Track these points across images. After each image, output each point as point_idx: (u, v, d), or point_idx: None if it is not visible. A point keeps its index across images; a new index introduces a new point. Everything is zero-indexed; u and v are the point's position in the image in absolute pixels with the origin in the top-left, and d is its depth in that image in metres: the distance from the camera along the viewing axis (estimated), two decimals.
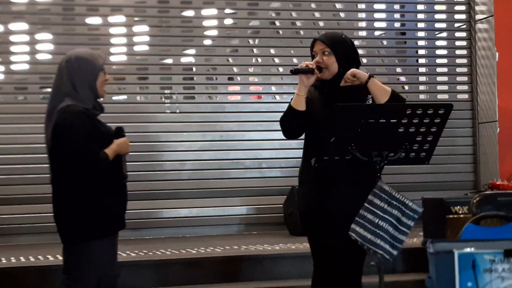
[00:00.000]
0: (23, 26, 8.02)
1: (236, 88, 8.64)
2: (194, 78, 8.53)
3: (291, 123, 4.04)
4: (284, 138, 4.16)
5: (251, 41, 8.71)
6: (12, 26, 7.99)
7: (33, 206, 7.40)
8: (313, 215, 4.05)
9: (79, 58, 4.09)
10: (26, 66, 8.08)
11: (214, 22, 8.64)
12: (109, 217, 4.03)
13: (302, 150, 4.16)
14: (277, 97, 8.32)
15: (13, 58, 7.99)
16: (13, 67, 8.03)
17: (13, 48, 8.00)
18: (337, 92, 4.06)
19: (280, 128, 4.15)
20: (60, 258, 6.07)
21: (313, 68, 4.00)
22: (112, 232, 4.09)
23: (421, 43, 9.33)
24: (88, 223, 3.94)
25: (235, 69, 8.59)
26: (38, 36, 8.11)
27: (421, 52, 9.32)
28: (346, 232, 3.83)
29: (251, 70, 8.65)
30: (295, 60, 8.20)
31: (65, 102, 4.00)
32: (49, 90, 8.25)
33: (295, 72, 3.99)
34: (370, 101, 4.08)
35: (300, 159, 4.16)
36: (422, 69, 9.32)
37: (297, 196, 4.19)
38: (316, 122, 4.00)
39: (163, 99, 8.48)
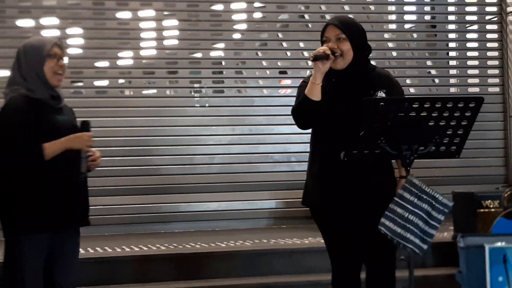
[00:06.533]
0: (54, 21, 8.08)
1: (266, 81, 8.63)
2: (224, 72, 8.55)
3: (305, 114, 3.89)
4: None
5: (280, 35, 8.70)
6: (43, 21, 8.05)
7: None
8: (329, 210, 4.01)
9: (26, 45, 3.92)
10: None
11: (243, 16, 8.64)
12: (38, 214, 3.76)
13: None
14: None
15: None
16: None
17: None
18: (348, 83, 3.95)
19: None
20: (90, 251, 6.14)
21: (329, 54, 3.83)
22: (41, 230, 3.78)
23: (451, 36, 9.25)
24: (14, 218, 3.78)
25: (264, 63, 8.59)
26: (69, 31, 8.17)
27: (452, 45, 9.24)
28: (365, 227, 3.84)
29: (280, 64, 8.64)
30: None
31: (10, 94, 3.83)
32: (80, 84, 8.24)
33: (315, 59, 3.82)
34: (383, 94, 3.99)
35: None
36: (452, 62, 9.25)
37: (306, 190, 4.12)
38: (329, 114, 3.90)
39: (192, 93, 8.50)
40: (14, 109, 3.78)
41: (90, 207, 3.98)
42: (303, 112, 3.90)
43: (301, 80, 4.16)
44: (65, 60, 3.96)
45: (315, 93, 3.86)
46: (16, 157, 3.73)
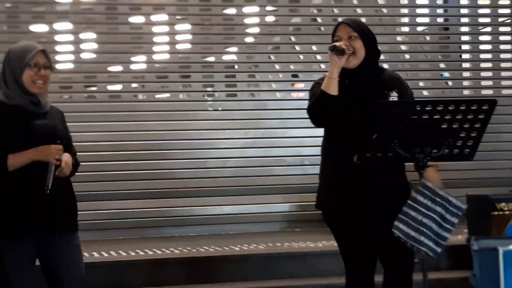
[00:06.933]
0: (67, 25, 8.12)
1: (279, 85, 8.63)
2: (236, 76, 8.56)
3: (322, 110, 3.87)
4: None
5: (293, 38, 8.70)
6: (57, 25, 8.09)
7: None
8: (340, 212, 4.01)
9: (10, 51, 3.95)
10: (70, 65, 8.18)
11: (256, 20, 8.65)
12: (12, 222, 3.79)
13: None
14: None
15: (57, 57, 8.09)
16: (58, 66, 8.12)
17: (57, 48, 8.10)
18: (360, 84, 3.95)
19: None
20: (104, 255, 6.16)
21: (344, 48, 3.86)
22: (18, 237, 3.80)
23: (464, 38, 9.23)
24: None
25: (276, 66, 8.60)
26: (82, 36, 8.21)
27: (465, 47, 9.22)
28: (375, 230, 3.84)
29: (292, 67, 8.64)
30: None
31: None
32: (94, 89, 8.28)
33: (333, 48, 3.83)
34: (395, 97, 4.00)
35: None
36: (465, 65, 9.22)
37: (318, 192, 4.13)
38: (343, 114, 3.89)
39: (205, 97, 8.52)
40: None
41: (78, 211, 4.02)
42: (320, 108, 3.88)
43: (314, 82, 4.16)
44: (50, 68, 3.94)
45: (332, 87, 3.85)
46: None
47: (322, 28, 8.68)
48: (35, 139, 3.82)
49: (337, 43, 3.89)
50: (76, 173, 4.09)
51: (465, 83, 9.14)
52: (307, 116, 8.20)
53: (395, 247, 3.87)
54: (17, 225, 3.82)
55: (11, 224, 3.81)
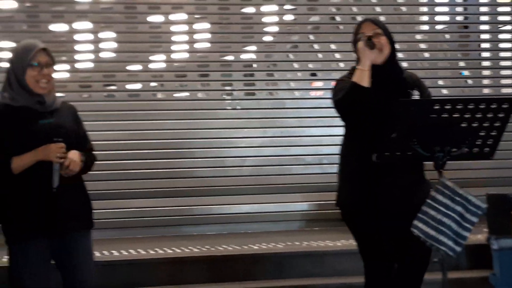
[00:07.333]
0: (86, 25, 8.16)
1: (297, 84, 8.62)
2: (255, 75, 8.56)
3: (354, 103, 3.84)
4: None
5: (311, 37, 8.69)
6: (76, 25, 8.13)
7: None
8: (358, 212, 4.01)
9: (13, 51, 3.91)
10: (90, 65, 8.22)
11: (274, 18, 8.64)
12: (19, 222, 3.80)
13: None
14: None
15: (77, 56, 8.13)
16: (78, 65, 8.17)
17: (77, 47, 8.14)
18: (384, 81, 3.96)
19: (340, 124, 4.10)
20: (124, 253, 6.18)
21: (374, 43, 3.90)
22: (26, 238, 3.80)
23: (484, 36, 9.18)
24: (6, 227, 3.83)
25: (295, 65, 8.59)
26: (101, 35, 8.24)
27: (484, 45, 9.17)
28: (392, 229, 3.82)
29: (311, 66, 8.63)
30: (355, 55, 8.14)
31: None
32: (113, 88, 8.31)
33: (369, 39, 3.87)
34: (417, 96, 4.01)
35: None
36: (485, 63, 9.17)
37: (340, 192, 4.12)
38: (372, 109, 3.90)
39: (224, 96, 8.52)
40: None
41: (91, 210, 4.01)
42: (352, 100, 3.86)
43: (337, 79, 4.14)
44: (54, 67, 3.90)
45: (364, 79, 3.86)
46: None
47: (341, 27, 8.67)
48: (38, 139, 3.78)
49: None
50: (95, 172, 4.08)
51: (485, 81, 9.09)
52: (325, 114, 8.14)
53: (412, 247, 3.86)
54: (23, 227, 3.80)
55: (17, 226, 3.81)
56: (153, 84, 8.49)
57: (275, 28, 8.65)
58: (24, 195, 3.80)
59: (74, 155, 3.83)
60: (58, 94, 4.09)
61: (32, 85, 3.81)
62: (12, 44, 7.72)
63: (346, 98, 3.87)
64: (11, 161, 3.76)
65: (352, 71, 4.03)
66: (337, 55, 8.61)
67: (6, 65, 3.98)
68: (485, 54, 9.18)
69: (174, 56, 8.42)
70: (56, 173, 3.77)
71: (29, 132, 3.80)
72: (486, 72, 9.08)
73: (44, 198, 3.79)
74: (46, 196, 3.79)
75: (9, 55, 4.00)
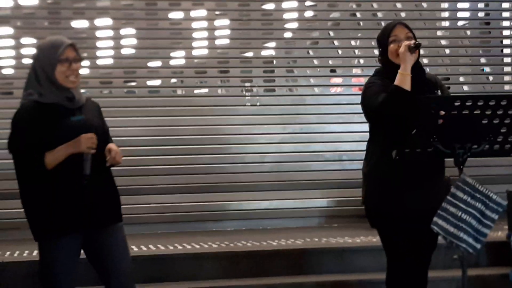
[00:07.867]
0: (107, 21, 8.19)
1: (317, 80, 8.62)
2: (275, 71, 8.56)
3: (396, 106, 3.85)
4: (365, 130, 4.11)
5: (331, 33, 8.68)
6: (97, 21, 8.16)
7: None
8: (390, 212, 4.00)
9: (39, 48, 3.94)
10: (110, 61, 8.26)
11: (294, 15, 8.63)
12: (52, 218, 3.83)
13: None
14: (358, 89, 8.28)
15: (98, 53, 8.17)
16: (98, 61, 8.21)
17: (98, 43, 8.18)
18: (417, 80, 3.97)
19: (361, 120, 4.09)
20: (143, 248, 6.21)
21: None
22: (59, 233, 3.84)
23: (506, 32, 9.12)
24: (37, 223, 3.86)
25: (315, 62, 8.58)
26: (122, 31, 8.28)
27: (506, 42, 9.11)
28: (421, 229, 3.82)
29: (331, 62, 8.62)
30: (375, 52, 8.11)
31: (23, 100, 3.87)
32: (133, 84, 8.32)
33: (419, 46, 3.93)
34: (439, 93, 4.05)
35: None
36: (507, 60, 9.11)
37: (367, 191, 4.10)
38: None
39: (243, 92, 8.53)
40: (20, 118, 3.84)
41: (121, 204, 4.05)
42: (395, 104, 3.87)
43: (367, 84, 4.14)
44: (81, 62, 3.96)
45: (407, 83, 3.89)
46: (22, 167, 3.80)
47: (361, 23, 8.64)
48: (74, 135, 3.82)
49: (412, 42, 3.96)
50: (116, 167, 4.11)
51: (506, 78, 9.03)
52: (345, 111, 8.12)
53: (426, 251, 3.88)
54: (56, 223, 3.83)
55: (50, 222, 3.84)
56: (173, 80, 8.51)
57: (295, 25, 8.64)
58: (56, 191, 3.83)
59: (115, 146, 3.92)
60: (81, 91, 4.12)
61: (61, 81, 3.86)
62: (34, 41, 7.78)
63: (389, 102, 3.88)
64: (44, 157, 3.79)
65: (377, 74, 4.07)
66: (358, 52, 8.59)
67: (29, 61, 4.00)
68: (507, 51, 9.12)
69: (194, 52, 8.43)
70: (87, 163, 3.82)
71: (62, 129, 3.84)
72: (507, 69, 9.02)
73: (76, 193, 3.84)
74: (78, 190, 3.84)
75: (32, 51, 4.02)
